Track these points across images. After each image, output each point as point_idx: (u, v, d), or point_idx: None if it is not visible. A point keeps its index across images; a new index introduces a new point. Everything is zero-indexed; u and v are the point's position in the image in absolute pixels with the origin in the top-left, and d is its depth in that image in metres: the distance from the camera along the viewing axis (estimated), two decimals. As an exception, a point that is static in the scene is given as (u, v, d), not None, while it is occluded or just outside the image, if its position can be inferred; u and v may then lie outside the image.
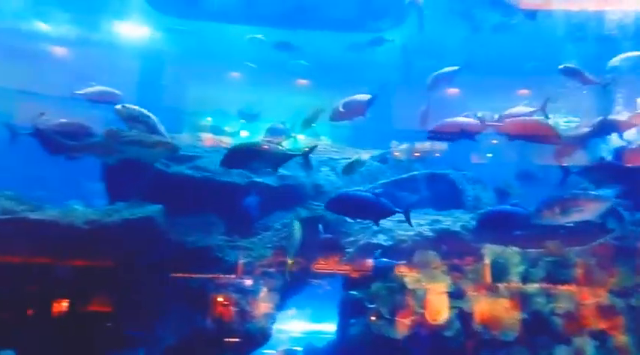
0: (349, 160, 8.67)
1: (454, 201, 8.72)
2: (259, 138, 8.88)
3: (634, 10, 10.32)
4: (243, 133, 12.11)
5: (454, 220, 7.90)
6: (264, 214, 8.01)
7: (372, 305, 7.10)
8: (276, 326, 7.25)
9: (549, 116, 7.85)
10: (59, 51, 13.47)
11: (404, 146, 10.27)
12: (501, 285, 7.21)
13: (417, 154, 10.20)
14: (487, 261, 7.43)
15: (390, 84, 13.76)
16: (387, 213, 6.84)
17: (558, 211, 6.46)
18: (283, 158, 7.00)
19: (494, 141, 9.37)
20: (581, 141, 8.13)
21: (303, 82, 15.24)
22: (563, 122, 9.06)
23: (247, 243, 7.62)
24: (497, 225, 7.10)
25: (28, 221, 6.53)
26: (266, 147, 6.93)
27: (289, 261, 7.20)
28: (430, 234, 7.66)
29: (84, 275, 6.72)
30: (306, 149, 7.21)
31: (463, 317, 7.01)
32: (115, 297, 6.83)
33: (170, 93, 13.91)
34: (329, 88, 14.67)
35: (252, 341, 6.91)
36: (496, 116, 8.23)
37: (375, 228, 7.49)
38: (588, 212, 6.59)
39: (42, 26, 13.34)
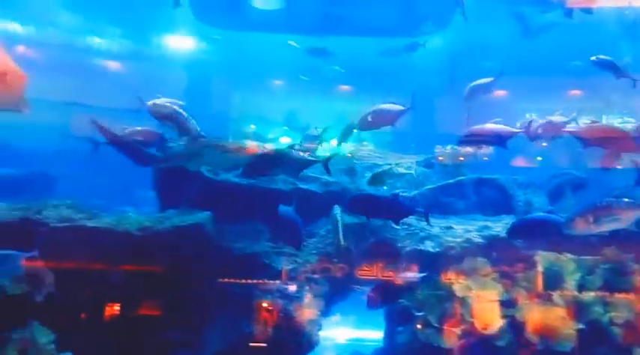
0: (377, 171, 8.44)
1: (504, 206, 8.51)
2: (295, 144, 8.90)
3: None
4: (284, 140, 12.21)
5: (504, 226, 7.69)
6: (309, 221, 8.03)
7: (419, 313, 7.00)
8: (321, 333, 7.24)
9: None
10: (112, 64, 14.00)
11: (449, 150, 10.10)
12: (556, 293, 6.95)
13: (461, 159, 10.01)
14: (540, 268, 7.19)
15: (433, 87, 13.63)
16: (406, 213, 6.95)
17: (591, 220, 6.19)
18: (303, 165, 7.09)
19: (544, 144, 9.12)
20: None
21: (345, 87, 15.26)
22: (618, 123, 8.72)
23: (293, 249, 7.64)
24: (531, 234, 6.95)
25: (85, 228, 6.79)
26: (284, 153, 7.03)
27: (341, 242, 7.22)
28: (479, 240, 7.49)
29: (136, 281, 6.90)
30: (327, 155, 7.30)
31: (515, 326, 6.80)
32: (165, 302, 6.96)
33: (216, 101, 14.22)
34: (371, 93, 14.65)
35: (298, 348, 6.90)
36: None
37: (422, 234, 7.40)
38: (623, 220, 6.27)
39: (95, 41, 13.92)
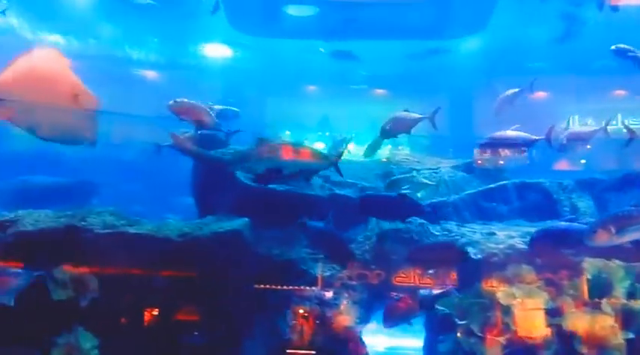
0: (396, 177, 8.32)
1: (548, 211, 8.24)
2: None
3: None
4: (319, 145, 12.23)
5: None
6: (346, 228, 7.97)
7: (462, 322, 6.84)
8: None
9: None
10: (150, 74, 14.31)
11: (488, 154, 9.89)
12: (604, 301, 6.67)
13: (501, 162, 9.80)
14: (588, 275, 6.93)
15: (471, 89, 13.43)
16: (413, 212, 6.95)
17: (614, 231, 5.90)
18: (314, 169, 7.15)
19: (588, 147, 8.87)
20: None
21: (380, 91, 15.20)
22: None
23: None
24: (553, 243, 6.73)
25: (127, 235, 6.90)
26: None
27: None
28: (523, 246, 7.27)
29: (177, 286, 6.96)
30: (335, 159, 7.23)
31: (562, 335, 6.55)
32: (204, 308, 7.00)
33: (251, 108, 14.35)
34: (407, 97, 14.56)
35: (337, 355, 6.86)
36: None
37: (464, 239, 7.24)
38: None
39: (134, 52, 14.26)
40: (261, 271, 7.25)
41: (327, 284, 7.23)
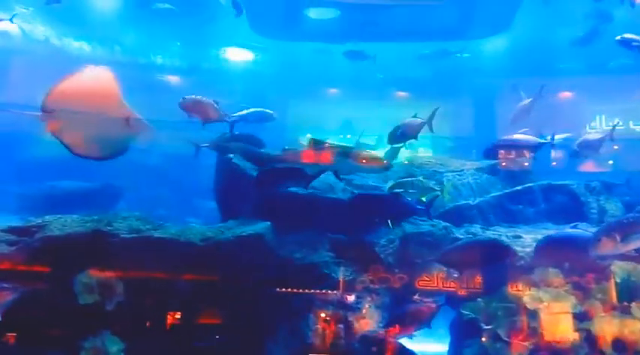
0: (401, 180, 8.03)
1: (576, 213, 8.08)
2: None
3: None
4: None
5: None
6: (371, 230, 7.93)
7: (488, 327, 6.74)
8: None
9: None
10: (173, 79, 14.48)
11: (512, 156, 9.73)
12: (634, 305, 6.52)
13: (525, 164, 9.64)
14: (617, 278, 6.78)
15: (494, 90, 13.27)
16: (408, 212, 7.03)
17: (619, 239, 5.72)
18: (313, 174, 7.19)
19: (615, 147, 8.68)
20: None
21: (401, 94, 15.12)
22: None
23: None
24: (559, 251, 6.59)
25: (152, 239, 6.98)
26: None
27: None
28: (551, 249, 7.11)
29: (200, 290, 7.00)
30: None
31: (591, 340, 6.44)
32: (228, 311, 7.03)
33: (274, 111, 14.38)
34: (428, 98, 14.43)
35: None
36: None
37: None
38: None
39: (158, 58, 14.45)
40: (283, 274, 7.24)
41: (351, 288, 7.19)
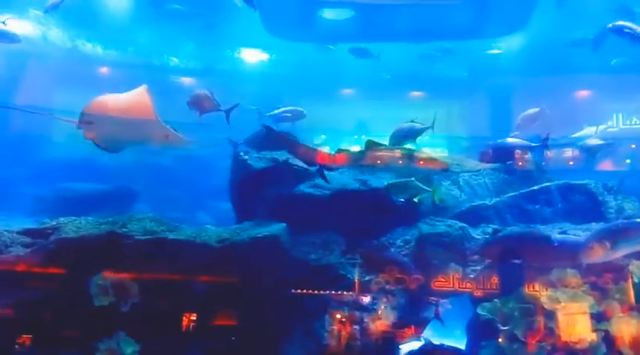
0: (396, 182, 7.91)
1: (593, 213, 7.96)
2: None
3: None
4: (355, 148, 12.16)
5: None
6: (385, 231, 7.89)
7: (505, 327, 6.66)
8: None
9: None
10: (186, 80, 14.55)
11: (529, 155, 9.63)
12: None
13: (543, 163, 9.54)
14: (635, 278, 6.68)
15: (511, 89, 13.15)
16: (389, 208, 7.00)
17: (609, 246, 5.63)
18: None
19: (633, 146, 8.57)
20: None
21: (416, 93, 15.05)
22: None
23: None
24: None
25: (167, 240, 6.99)
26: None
27: None
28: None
29: (216, 291, 7.01)
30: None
31: (610, 341, 6.35)
32: (243, 312, 7.02)
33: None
34: (444, 98, 14.37)
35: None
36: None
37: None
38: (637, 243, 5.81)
39: (172, 60, 14.54)
40: (298, 276, 7.22)
41: (366, 289, 7.15)
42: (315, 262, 7.38)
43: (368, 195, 7.85)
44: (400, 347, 6.98)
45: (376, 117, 13.41)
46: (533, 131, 8.69)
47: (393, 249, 7.60)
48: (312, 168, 7.76)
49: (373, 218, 7.71)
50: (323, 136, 13.59)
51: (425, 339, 6.75)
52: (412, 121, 8.03)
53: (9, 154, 11.62)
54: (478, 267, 7.28)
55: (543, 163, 9.52)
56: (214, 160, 8.80)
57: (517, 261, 6.95)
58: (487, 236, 7.45)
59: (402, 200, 7.36)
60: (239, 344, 6.85)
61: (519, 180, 9.03)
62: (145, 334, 6.59)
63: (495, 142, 8.04)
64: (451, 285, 7.22)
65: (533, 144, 7.71)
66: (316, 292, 7.10)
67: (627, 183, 8.67)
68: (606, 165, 10.30)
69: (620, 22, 8.31)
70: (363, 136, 12.95)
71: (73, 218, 7.33)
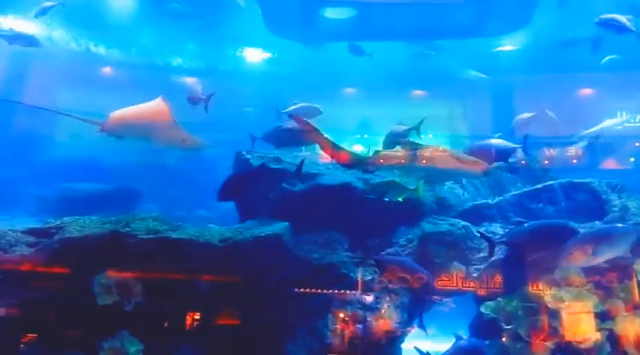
0: (379, 181, 7.89)
1: (597, 212, 7.93)
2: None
3: None
4: (357, 147, 12.16)
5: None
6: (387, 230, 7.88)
7: (508, 326, 6.65)
8: (402, 346, 7.05)
9: None
10: (189, 80, 14.54)
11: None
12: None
13: (546, 162, 9.53)
14: (639, 277, 6.66)
15: (512, 88, 13.12)
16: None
17: (590, 251, 5.63)
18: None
19: (637, 144, 8.53)
20: None
21: (419, 93, 15.03)
22: None
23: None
24: None
25: (170, 240, 6.98)
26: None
27: None
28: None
29: (219, 290, 7.02)
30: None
31: (614, 340, 6.35)
32: (246, 311, 7.03)
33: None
34: (446, 97, 14.35)
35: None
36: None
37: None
38: (622, 247, 5.81)
39: (175, 59, 14.56)
40: (301, 275, 7.22)
41: (369, 288, 7.15)
42: (318, 261, 7.38)
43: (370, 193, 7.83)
44: (402, 346, 6.99)
45: (379, 117, 13.38)
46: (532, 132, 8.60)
47: (394, 248, 7.61)
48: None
49: (375, 217, 7.68)
50: (326, 135, 13.56)
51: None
52: (399, 123, 7.98)
53: (13, 154, 11.67)
54: (481, 266, 7.29)
55: (538, 165, 9.52)
56: (218, 159, 8.81)
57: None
58: (490, 235, 7.42)
59: (387, 200, 7.31)
60: (242, 343, 6.84)
61: (522, 179, 9.03)
62: (149, 333, 6.61)
63: (477, 143, 8.01)
64: (454, 284, 7.21)
65: (514, 145, 7.69)
66: (319, 291, 7.09)
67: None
68: (610, 164, 10.29)
69: (605, 16, 8.32)
70: (365, 135, 12.95)
71: (77, 217, 7.33)
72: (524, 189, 8.46)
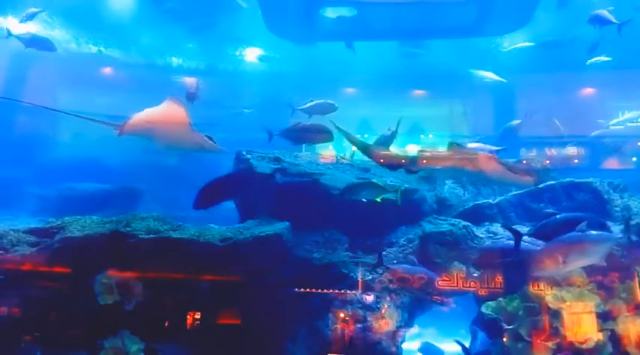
0: (355, 182, 7.99)
1: (599, 211, 7.91)
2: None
3: None
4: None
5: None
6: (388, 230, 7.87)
7: (509, 326, 6.64)
8: (403, 346, 7.06)
9: None
10: (189, 80, 14.52)
11: (534, 153, 9.61)
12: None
13: (547, 162, 9.51)
14: (641, 277, 6.66)
15: (514, 87, 13.09)
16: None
17: (561, 260, 5.56)
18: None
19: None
20: None
21: (419, 92, 15.02)
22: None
23: (372, 259, 7.50)
24: None
25: (171, 239, 6.99)
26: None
27: None
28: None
29: (219, 290, 7.02)
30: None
31: (615, 340, 6.35)
32: (246, 311, 7.03)
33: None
34: (446, 97, 14.33)
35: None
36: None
37: (511, 242, 7.01)
38: (596, 254, 5.76)
39: (174, 60, 14.55)
40: (302, 274, 7.22)
41: (370, 288, 7.14)
42: (319, 261, 7.40)
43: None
44: (403, 345, 6.99)
45: (380, 116, 13.36)
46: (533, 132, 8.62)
47: (395, 248, 7.60)
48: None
49: (376, 216, 7.67)
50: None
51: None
52: (389, 129, 7.97)
53: (14, 154, 11.66)
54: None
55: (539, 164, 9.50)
56: (219, 159, 8.79)
57: None
58: (492, 235, 7.40)
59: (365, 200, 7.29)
60: (242, 342, 6.85)
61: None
62: (149, 332, 6.63)
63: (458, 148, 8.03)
64: (455, 284, 7.20)
65: (493, 148, 7.70)
66: (319, 291, 7.09)
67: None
68: (612, 164, 10.27)
69: (596, 12, 8.38)
70: (366, 135, 12.91)
71: (78, 217, 7.35)
72: (526, 189, 8.45)
